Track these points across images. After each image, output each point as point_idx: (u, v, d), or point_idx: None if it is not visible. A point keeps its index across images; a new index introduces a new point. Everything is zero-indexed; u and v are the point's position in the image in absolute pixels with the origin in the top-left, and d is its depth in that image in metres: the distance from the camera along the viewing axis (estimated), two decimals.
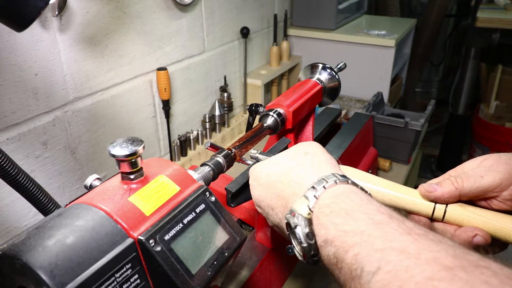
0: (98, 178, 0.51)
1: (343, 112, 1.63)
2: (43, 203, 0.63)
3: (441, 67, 3.38)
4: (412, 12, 3.06)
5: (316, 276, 0.92)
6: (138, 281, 0.40)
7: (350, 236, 0.36)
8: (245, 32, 1.50)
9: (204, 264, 0.45)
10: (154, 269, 0.41)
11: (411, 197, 0.52)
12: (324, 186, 0.42)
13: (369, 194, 0.43)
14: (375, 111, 1.39)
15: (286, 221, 0.44)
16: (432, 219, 0.51)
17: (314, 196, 0.42)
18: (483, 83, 2.77)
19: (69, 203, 0.44)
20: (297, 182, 0.46)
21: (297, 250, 0.43)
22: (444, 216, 0.50)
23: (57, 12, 0.84)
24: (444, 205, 0.50)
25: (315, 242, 0.41)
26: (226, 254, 0.48)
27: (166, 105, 1.21)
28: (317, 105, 0.88)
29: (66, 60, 0.91)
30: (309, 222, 0.41)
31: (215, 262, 0.46)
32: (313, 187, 0.43)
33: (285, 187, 0.47)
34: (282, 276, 0.79)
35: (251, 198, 0.63)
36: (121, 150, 0.43)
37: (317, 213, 0.41)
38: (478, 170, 0.50)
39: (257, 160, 0.61)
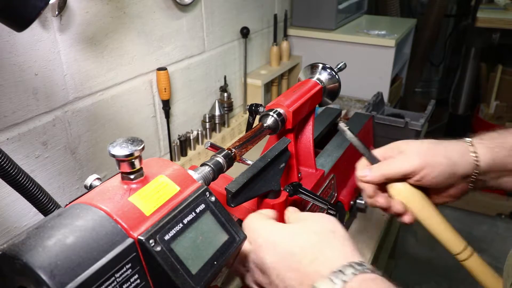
0: (98, 178, 0.51)
1: (343, 112, 1.63)
2: (43, 203, 0.63)
3: (441, 67, 3.38)
4: (412, 12, 3.07)
5: None
6: (138, 281, 0.40)
7: None
8: (245, 32, 1.50)
9: (204, 264, 0.45)
10: (154, 269, 0.41)
11: (446, 234, 0.65)
12: (353, 273, 0.43)
13: (389, 281, 0.45)
14: (375, 111, 1.39)
15: None
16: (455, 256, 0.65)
17: (343, 280, 0.42)
18: (483, 83, 2.77)
19: (69, 203, 0.44)
20: (323, 262, 0.46)
21: None
22: (465, 260, 0.64)
23: (57, 12, 0.84)
24: (468, 255, 0.64)
25: None
26: (226, 254, 0.48)
27: (166, 105, 1.21)
28: (317, 105, 0.88)
29: (66, 60, 0.91)
30: None
31: (215, 262, 0.46)
32: (340, 271, 0.43)
33: (307, 263, 0.46)
34: None
35: (251, 198, 0.63)
36: (121, 150, 0.43)
37: None
38: (399, 159, 0.62)
39: (344, 131, 0.66)
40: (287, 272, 0.47)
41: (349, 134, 0.67)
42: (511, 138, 0.56)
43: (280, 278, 0.48)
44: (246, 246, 0.52)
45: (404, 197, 0.64)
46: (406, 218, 0.65)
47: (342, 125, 0.67)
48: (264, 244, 0.50)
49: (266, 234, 0.51)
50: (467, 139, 0.60)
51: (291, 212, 0.59)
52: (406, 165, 0.61)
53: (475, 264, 0.63)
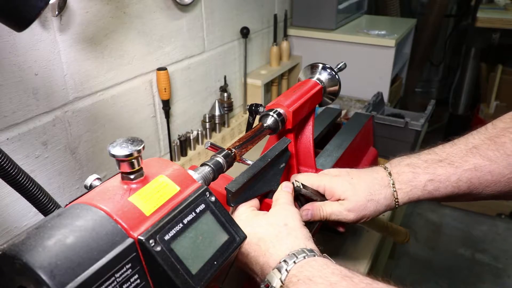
0: (98, 178, 0.51)
1: (343, 112, 1.63)
2: (43, 203, 0.63)
3: (441, 67, 3.38)
4: (412, 12, 3.06)
5: None
6: (138, 281, 0.40)
7: None
8: (245, 32, 1.50)
9: (204, 264, 0.45)
10: (154, 269, 0.41)
11: None
12: (294, 261, 0.50)
13: (328, 258, 0.52)
14: (375, 111, 1.39)
15: None
16: None
17: (286, 269, 0.50)
18: (483, 83, 2.78)
19: (69, 203, 0.44)
20: (271, 253, 0.53)
21: None
22: None
23: (57, 12, 0.84)
24: None
25: None
26: (226, 254, 0.48)
27: (166, 105, 1.21)
28: (317, 105, 0.88)
29: (66, 60, 0.91)
30: None
31: (215, 262, 0.46)
32: (285, 261, 0.51)
33: (260, 254, 0.54)
34: None
35: (251, 198, 0.63)
36: (121, 150, 0.43)
37: (288, 284, 0.49)
38: (335, 206, 0.67)
39: (299, 190, 0.68)
40: (251, 259, 0.55)
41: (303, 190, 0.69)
42: (423, 176, 0.65)
43: (249, 262, 0.56)
44: None
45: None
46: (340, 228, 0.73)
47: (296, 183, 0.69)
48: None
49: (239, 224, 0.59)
50: (390, 180, 0.67)
51: (282, 192, 0.65)
52: (343, 217, 0.67)
53: None
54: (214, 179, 0.59)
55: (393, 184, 0.67)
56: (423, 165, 0.66)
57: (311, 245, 0.54)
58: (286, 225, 0.56)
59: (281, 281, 0.49)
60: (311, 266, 0.49)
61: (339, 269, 0.49)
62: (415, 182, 0.66)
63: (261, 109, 0.77)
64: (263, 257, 0.54)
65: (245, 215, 0.60)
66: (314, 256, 0.51)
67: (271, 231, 0.56)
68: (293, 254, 0.51)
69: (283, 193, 0.64)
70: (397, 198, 0.67)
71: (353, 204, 0.66)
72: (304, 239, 0.55)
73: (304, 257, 0.50)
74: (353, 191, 0.67)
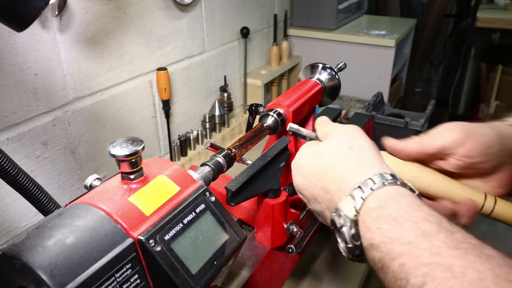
0: (98, 178, 0.51)
1: (343, 112, 1.63)
2: (43, 203, 0.63)
3: (441, 67, 3.37)
4: (412, 12, 3.06)
5: (316, 276, 0.92)
6: (138, 281, 0.40)
7: (396, 245, 0.36)
8: (245, 32, 1.50)
9: (204, 264, 0.45)
10: (154, 269, 0.41)
11: (461, 190, 0.53)
12: (371, 188, 0.41)
13: (419, 196, 0.41)
14: (375, 111, 1.39)
15: (331, 218, 0.43)
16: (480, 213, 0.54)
17: (361, 197, 0.41)
18: (483, 83, 2.77)
19: (69, 203, 0.44)
20: (343, 180, 0.45)
21: (341, 247, 0.43)
22: (492, 211, 0.53)
23: (57, 12, 0.84)
24: (493, 202, 0.53)
25: (361, 243, 0.40)
26: (226, 254, 0.48)
27: (166, 105, 1.21)
28: (317, 105, 0.88)
29: (66, 60, 0.91)
30: (355, 223, 0.40)
31: (215, 262, 0.46)
32: (359, 187, 0.41)
33: (329, 182, 0.46)
34: (282, 276, 0.79)
35: (251, 197, 0.63)
36: (121, 150, 0.43)
37: (364, 216, 0.40)
38: (437, 131, 0.53)
39: (296, 133, 0.60)
40: (315, 191, 0.48)
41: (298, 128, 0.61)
42: None
43: (313, 197, 0.49)
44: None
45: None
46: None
47: (292, 125, 0.61)
48: (294, 168, 0.54)
49: (297, 158, 0.54)
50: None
51: (320, 126, 0.56)
52: (444, 138, 0.52)
53: (503, 208, 0.53)
54: (214, 179, 0.59)
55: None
56: None
57: (388, 170, 0.44)
58: (351, 147, 0.47)
59: (356, 210, 0.40)
60: (397, 203, 0.39)
61: (434, 216, 0.37)
62: None
63: (261, 109, 0.77)
64: (333, 185, 0.45)
65: (304, 150, 0.53)
66: (396, 184, 0.41)
67: (337, 156, 0.47)
68: (370, 179, 0.41)
69: (326, 122, 0.55)
70: None
71: (453, 124, 0.53)
72: (378, 162, 0.45)
73: (384, 184, 0.41)
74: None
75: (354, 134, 0.50)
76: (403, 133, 1.30)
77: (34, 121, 0.87)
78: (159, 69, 1.16)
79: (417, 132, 1.30)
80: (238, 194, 0.59)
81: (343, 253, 0.43)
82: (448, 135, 0.52)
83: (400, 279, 0.34)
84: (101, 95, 1.01)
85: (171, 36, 1.19)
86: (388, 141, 0.56)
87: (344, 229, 0.41)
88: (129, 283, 0.39)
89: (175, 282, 0.41)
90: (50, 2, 0.79)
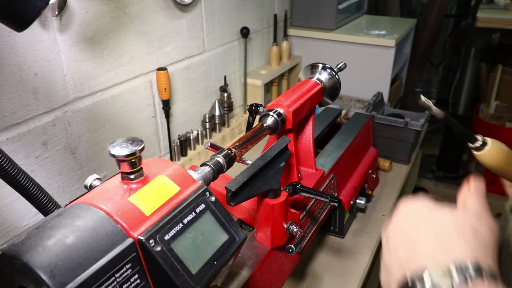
0: (98, 178, 0.51)
1: (343, 112, 1.63)
2: (43, 203, 0.63)
3: (441, 67, 3.38)
4: (412, 12, 3.06)
5: (316, 276, 0.92)
6: (138, 281, 0.40)
7: None
8: (245, 32, 1.50)
9: (204, 264, 0.45)
10: (154, 269, 0.41)
11: None
12: (476, 276, 0.39)
13: None
14: (375, 111, 1.39)
15: (410, 275, 0.42)
16: None
17: (464, 276, 0.39)
18: (483, 83, 2.77)
19: (69, 203, 0.44)
20: (447, 251, 0.43)
21: None
22: None
23: (57, 12, 0.84)
24: None
25: None
26: (226, 254, 0.48)
27: (166, 105, 1.21)
28: (317, 105, 0.88)
29: (66, 60, 0.91)
30: None
31: (215, 262, 0.46)
32: (465, 266, 0.40)
33: (429, 243, 0.44)
34: (282, 276, 0.79)
35: (251, 197, 0.63)
36: (121, 150, 0.43)
37: None
38: None
39: (424, 106, 0.57)
40: (406, 244, 0.46)
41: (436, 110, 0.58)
42: None
43: (398, 247, 0.47)
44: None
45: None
46: None
47: (424, 98, 0.58)
48: (396, 215, 0.50)
49: (414, 203, 0.50)
50: None
51: (467, 193, 0.52)
52: None
53: None
54: (214, 179, 0.59)
55: None
56: None
57: (492, 265, 0.42)
58: (475, 231, 0.45)
59: (452, 286, 0.39)
60: None
61: None
62: None
63: (261, 109, 0.77)
64: (438, 248, 0.43)
65: (425, 199, 0.50)
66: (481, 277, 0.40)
67: (455, 227, 0.45)
68: (478, 265, 0.40)
69: (475, 197, 0.51)
70: None
71: None
72: (490, 254, 0.43)
73: (466, 279, 0.39)
74: None
75: (480, 217, 0.47)
76: (403, 133, 1.30)
77: (34, 121, 0.87)
78: (159, 69, 1.16)
79: (417, 132, 1.30)
80: (238, 194, 0.59)
81: None
82: None
83: None
84: (101, 95, 1.01)
85: (171, 36, 1.19)
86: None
87: None
88: (129, 283, 0.39)
89: (175, 282, 0.41)
90: (50, 2, 0.79)
